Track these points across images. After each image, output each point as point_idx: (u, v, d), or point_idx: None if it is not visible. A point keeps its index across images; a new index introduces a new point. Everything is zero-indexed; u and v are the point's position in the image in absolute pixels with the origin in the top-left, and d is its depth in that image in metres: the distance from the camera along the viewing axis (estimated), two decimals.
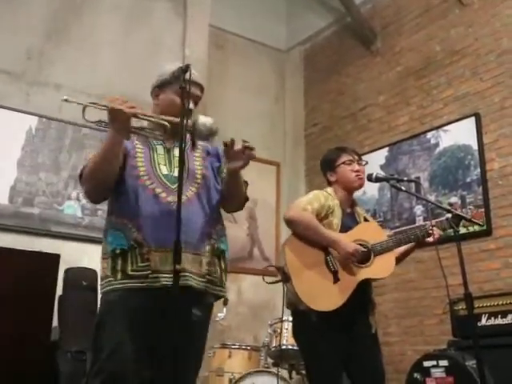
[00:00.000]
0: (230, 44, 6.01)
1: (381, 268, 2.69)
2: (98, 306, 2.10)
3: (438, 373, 3.43)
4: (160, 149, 2.15)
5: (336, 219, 2.71)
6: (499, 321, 3.49)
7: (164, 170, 2.10)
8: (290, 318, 3.66)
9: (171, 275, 1.87)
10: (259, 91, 6.07)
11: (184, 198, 1.99)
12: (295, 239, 2.68)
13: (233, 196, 2.21)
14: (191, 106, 2.12)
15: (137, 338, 1.96)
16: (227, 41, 5.98)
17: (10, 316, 3.36)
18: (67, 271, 3.98)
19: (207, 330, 2.16)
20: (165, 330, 1.91)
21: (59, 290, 3.82)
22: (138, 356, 1.96)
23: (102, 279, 2.06)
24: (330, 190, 2.82)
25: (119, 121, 1.94)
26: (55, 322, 3.76)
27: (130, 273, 1.98)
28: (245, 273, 5.49)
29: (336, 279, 2.61)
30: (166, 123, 1.99)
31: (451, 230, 2.64)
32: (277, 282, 2.80)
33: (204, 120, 1.98)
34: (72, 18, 4.76)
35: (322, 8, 5.92)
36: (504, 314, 3.48)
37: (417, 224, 4.60)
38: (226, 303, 4.21)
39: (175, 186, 2.02)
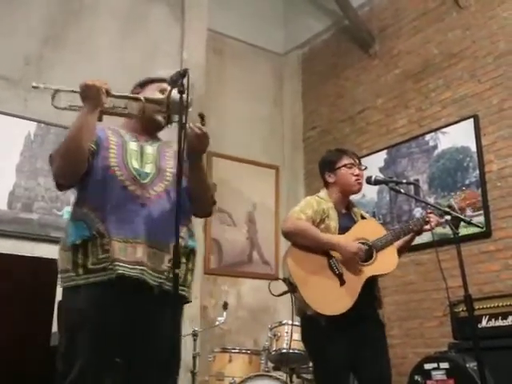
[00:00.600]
0: (228, 48, 6.01)
1: (384, 263, 2.70)
2: (62, 306, 2.04)
3: (438, 375, 3.43)
4: (133, 144, 2.15)
5: (333, 222, 2.72)
6: (499, 322, 3.49)
7: (135, 164, 2.10)
8: (290, 322, 3.67)
9: (130, 266, 1.93)
10: (257, 95, 6.07)
11: (153, 193, 2.04)
12: (295, 249, 2.68)
13: (197, 193, 2.15)
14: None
15: (106, 341, 1.92)
16: (225, 45, 5.99)
17: (10, 322, 3.35)
18: None
19: (177, 329, 2.08)
20: (130, 330, 1.93)
21: (59, 295, 3.81)
22: (108, 360, 1.95)
23: (61, 272, 2.00)
24: (322, 193, 2.83)
25: (91, 95, 2.02)
26: (55, 328, 3.75)
27: (90, 266, 1.94)
28: (244, 276, 5.48)
29: (342, 282, 2.62)
30: (142, 98, 2.02)
31: (451, 232, 2.64)
32: (284, 293, 2.79)
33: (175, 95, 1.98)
34: (70, 23, 4.76)
35: (319, 11, 5.93)
36: (504, 316, 3.48)
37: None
38: (225, 307, 4.22)
39: (145, 181, 2.06)
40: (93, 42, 4.82)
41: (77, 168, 2.02)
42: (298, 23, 6.22)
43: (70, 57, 4.68)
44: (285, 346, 3.84)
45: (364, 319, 2.64)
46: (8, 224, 4.15)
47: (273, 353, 3.93)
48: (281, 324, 3.97)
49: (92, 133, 2.03)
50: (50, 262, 3.73)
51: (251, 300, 5.45)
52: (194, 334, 4.05)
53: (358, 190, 2.86)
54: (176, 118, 2.01)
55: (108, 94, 2.05)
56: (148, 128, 2.21)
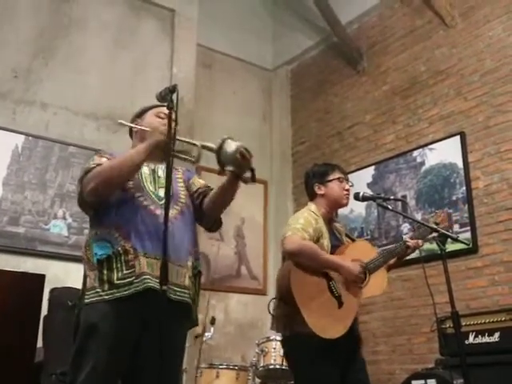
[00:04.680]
0: (218, 63, 6.04)
1: (376, 285, 2.74)
2: (81, 318, 2.06)
3: None
4: (146, 169, 2.22)
5: (326, 240, 2.72)
6: (486, 339, 3.49)
7: (151, 187, 2.18)
8: (278, 337, 3.65)
9: (156, 280, 1.96)
10: (246, 110, 6.09)
11: (170, 214, 2.05)
12: (298, 270, 2.61)
13: (218, 207, 2.24)
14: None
15: (118, 358, 1.98)
16: (215, 60, 6.02)
17: None
18: (53, 291, 3.93)
19: (185, 345, 2.19)
20: (149, 347, 1.97)
21: (44, 310, 3.77)
22: (116, 376, 2.01)
23: (87, 290, 2.05)
24: (313, 207, 2.81)
25: (161, 146, 2.08)
26: (40, 343, 3.70)
27: (116, 282, 2.00)
28: (232, 291, 5.46)
29: (340, 304, 2.63)
30: (198, 144, 2.06)
31: (438, 248, 2.65)
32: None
33: (228, 146, 2.01)
34: (59, 37, 4.76)
35: (308, 28, 5.98)
36: (491, 332, 3.49)
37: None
38: (213, 322, 4.19)
39: (161, 202, 2.12)
40: (82, 56, 4.82)
41: (110, 192, 2.09)
42: (287, 39, 6.27)
43: (59, 70, 4.68)
44: (272, 361, 3.83)
45: (349, 337, 2.65)
46: None
47: (260, 369, 3.92)
48: (268, 340, 3.96)
49: (136, 172, 2.11)
50: (37, 277, 3.71)
51: (239, 315, 5.43)
52: None
53: (345, 205, 2.89)
54: (230, 167, 2.04)
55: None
56: (156, 153, 2.24)
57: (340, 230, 2.91)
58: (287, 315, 2.61)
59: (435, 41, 4.85)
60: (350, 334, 2.60)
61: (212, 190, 2.27)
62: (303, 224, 2.67)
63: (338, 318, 2.60)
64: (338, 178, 2.84)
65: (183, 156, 2.13)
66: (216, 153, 2.01)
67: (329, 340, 2.52)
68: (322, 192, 2.84)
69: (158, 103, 2.19)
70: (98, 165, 2.10)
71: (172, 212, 2.10)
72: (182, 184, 2.27)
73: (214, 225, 2.32)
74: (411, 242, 2.80)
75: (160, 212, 2.09)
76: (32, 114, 4.49)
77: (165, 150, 2.04)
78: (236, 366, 4.11)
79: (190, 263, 2.14)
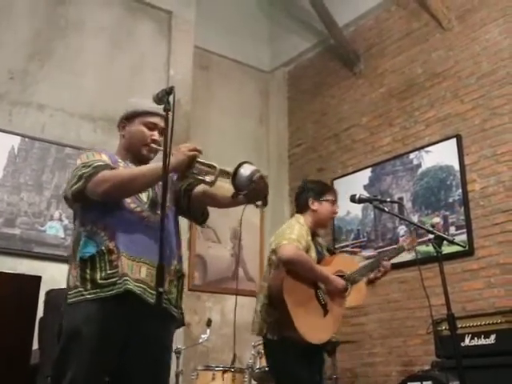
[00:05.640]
0: (215, 65, 6.04)
1: (357, 295, 2.90)
2: (64, 319, 2.03)
3: None
4: None
5: (313, 252, 2.85)
6: (482, 341, 3.50)
7: None
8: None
9: (135, 283, 1.98)
10: (243, 112, 6.10)
11: (157, 217, 2.05)
12: (289, 277, 2.72)
13: (214, 206, 2.28)
14: (156, 136, 2.19)
15: (103, 360, 1.97)
16: (212, 62, 6.02)
17: None
18: (49, 292, 3.91)
19: (170, 351, 2.18)
20: (136, 348, 1.97)
21: (40, 312, 3.76)
22: (103, 375, 2.01)
23: (69, 289, 2.04)
24: (302, 220, 2.91)
25: (182, 168, 2.05)
26: (36, 345, 3.69)
27: (100, 281, 1.98)
28: (229, 293, 5.45)
29: (326, 312, 2.77)
30: (217, 167, 2.01)
31: (434, 250, 2.66)
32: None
33: (244, 170, 1.97)
34: (56, 39, 4.76)
35: (305, 30, 5.99)
36: (487, 335, 3.49)
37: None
38: (209, 324, 4.19)
39: (147, 205, 2.13)
40: (78, 57, 4.82)
41: (122, 198, 2.08)
42: (284, 41, 6.28)
43: (56, 72, 4.67)
44: None
45: (326, 344, 2.81)
46: None
47: (256, 371, 3.91)
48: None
49: (155, 183, 2.08)
50: (33, 279, 3.70)
51: (236, 317, 5.41)
52: (177, 352, 4.01)
53: (326, 228, 3.15)
54: (244, 192, 2.00)
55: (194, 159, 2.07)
56: (138, 158, 2.24)
57: (322, 244, 3.04)
58: (277, 320, 2.70)
59: (432, 43, 4.86)
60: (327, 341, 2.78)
61: (196, 183, 2.21)
62: (297, 235, 2.78)
63: (323, 324, 2.74)
64: (332, 201, 2.98)
65: (200, 178, 2.09)
66: (231, 176, 1.97)
67: (313, 345, 2.65)
68: (315, 208, 2.95)
69: (147, 109, 2.18)
70: (106, 164, 2.07)
71: (157, 216, 2.07)
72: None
73: (201, 216, 2.33)
74: (385, 263, 2.96)
75: (147, 214, 2.09)
76: (28, 116, 4.49)
77: (183, 171, 2.05)
78: (232, 367, 4.10)
79: (172, 267, 2.13)
